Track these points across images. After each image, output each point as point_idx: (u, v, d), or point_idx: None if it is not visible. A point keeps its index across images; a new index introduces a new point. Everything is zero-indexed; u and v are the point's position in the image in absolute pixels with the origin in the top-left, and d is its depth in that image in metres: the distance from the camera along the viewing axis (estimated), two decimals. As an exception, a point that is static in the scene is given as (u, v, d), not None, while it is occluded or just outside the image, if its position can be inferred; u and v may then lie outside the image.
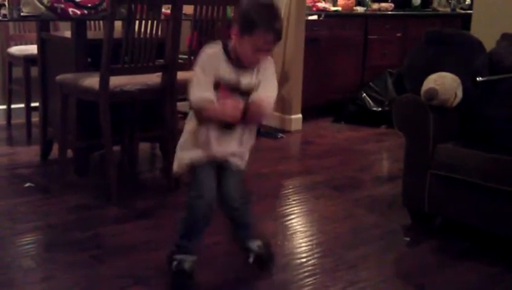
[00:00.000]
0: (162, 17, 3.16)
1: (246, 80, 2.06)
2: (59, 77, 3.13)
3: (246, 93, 2.07)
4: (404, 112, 2.72)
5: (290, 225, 2.80)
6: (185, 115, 3.81)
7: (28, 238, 2.55)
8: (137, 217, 2.80)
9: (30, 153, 3.71)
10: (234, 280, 2.22)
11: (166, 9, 3.31)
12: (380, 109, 4.86)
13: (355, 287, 2.19)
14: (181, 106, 3.63)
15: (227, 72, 2.03)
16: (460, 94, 2.59)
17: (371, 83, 5.01)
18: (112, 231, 2.64)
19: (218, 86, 2.03)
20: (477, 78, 2.68)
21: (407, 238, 2.68)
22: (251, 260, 2.23)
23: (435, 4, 6.48)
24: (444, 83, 2.56)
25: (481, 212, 2.51)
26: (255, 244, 2.24)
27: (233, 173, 2.12)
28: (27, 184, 3.18)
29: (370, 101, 4.92)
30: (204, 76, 2.02)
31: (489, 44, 2.91)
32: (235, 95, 2.04)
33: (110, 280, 2.20)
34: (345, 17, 5.15)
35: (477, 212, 2.52)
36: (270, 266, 2.28)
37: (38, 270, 2.31)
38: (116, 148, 3.36)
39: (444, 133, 2.64)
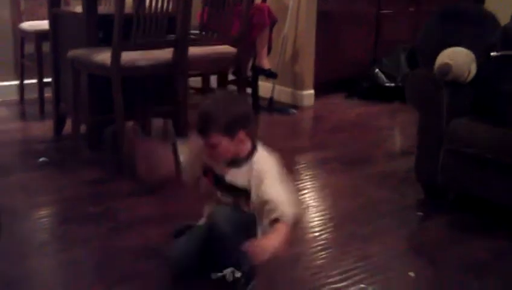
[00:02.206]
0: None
1: (231, 177, 1.96)
2: (70, 53, 3.13)
3: (231, 189, 1.96)
4: (417, 88, 2.71)
5: (302, 200, 2.80)
6: (196, 90, 3.84)
7: (42, 212, 2.58)
8: (150, 191, 2.81)
9: (43, 128, 3.74)
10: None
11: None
12: (392, 84, 4.83)
13: (367, 261, 2.20)
14: (193, 81, 3.64)
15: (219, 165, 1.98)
16: (474, 69, 2.57)
17: (383, 59, 4.97)
18: (126, 205, 2.66)
19: (207, 173, 2.00)
20: (492, 53, 2.65)
21: (420, 213, 2.68)
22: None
23: (449, -22, 6.40)
24: (457, 58, 2.53)
25: (494, 187, 2.50)
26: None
27: None
28: (41, 159, 3.20)
29: (383, 77, 4.89)
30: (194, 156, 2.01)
31: (503, 19, 2.87)
32: (218, 189, 1.99)
33: (125, 252, 2.23)
34: (357, -9, 5.10)
35: (490, 187, 2.51)
36: None
37: (53, 243, 2.33)
38: (129, 123, 3.37)
39: (458, 108, 2.62)
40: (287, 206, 1.82)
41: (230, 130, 1.88)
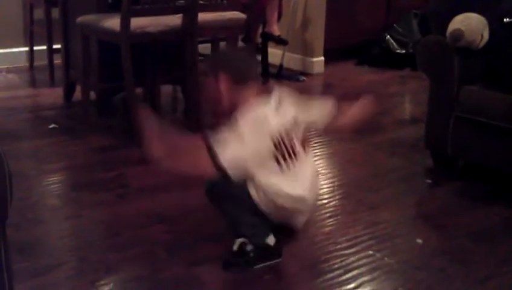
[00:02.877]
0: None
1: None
2: (80, 19, 3.12)
3: None
4: (428, 54, 2.68)
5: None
6: (205, 57, 3.82)
7: (53, 178, 2.60)
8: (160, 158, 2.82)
9: (53, 95, 3.74)
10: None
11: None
12: (404, 51, 4.79)
13: (375, 228, 2.21)
14: (202, 48, 3.61)
15: None
16: (486, 35, 2.53)
17: (395, 25, 4.92)
18: (136, 172, 2.68)
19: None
20: (505, 19, 2.61)
21: (429, 181, 2.68)
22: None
23: None
24: (470, 24, 2.50)
25: (504, 155, 2.49)
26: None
27: None
28: (51, 125, 3.21)
29: (394, 43, 4.84)
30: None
31: (518, -17, 2.82)
32: None
33: (134, 218, 2.25)
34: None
35: (501, 155, 2.50)
36: None
37: (64, 208, 2.36)
38: (139, 90, 3.37)
39: (469, 75, 2.59)
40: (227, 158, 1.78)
41: (212, 69, 1.97)
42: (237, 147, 1.81)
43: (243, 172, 1.84)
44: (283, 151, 1.90)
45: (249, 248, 1.94)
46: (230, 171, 1.79)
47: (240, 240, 1.96)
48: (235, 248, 1.96)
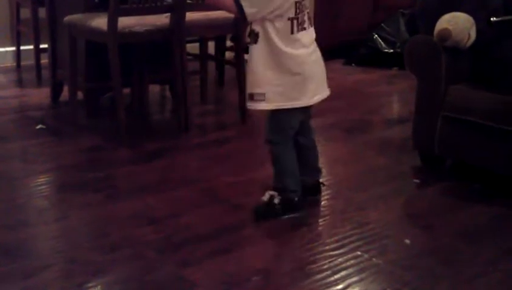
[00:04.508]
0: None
1: None
2: (67, 18, 3.10)
3: None
4: (416, 53, 2.69)
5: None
6: (194, 56, 3.81)
7: (40, 180, 2.58)
8: (148, 159, 2.82)
9: (40, 95, 3.72)
10: (244, 220, 2.24)
11: None
12: (391, 50, 4.80)
13: (364, 229, 2.22)
14: (190, 47, 3.61)
15: None
16: (474, 35, 2.55)
17: (382, 24, 4.93)
18: (124, 172, 2.67)
19: None
20: (492, 19, 2.63)
21: (417, 180, 2.69)
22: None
23: None
24: (457, 24, 2.51)
25: (491, 155, 2.50)
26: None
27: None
28: (38, 126, 3.19)
29: (382, 43, 4.86)
30: None
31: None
32: None
33: (123, 219, 2.24)
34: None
35: (488, 154, 2.51)
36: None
37: (51, 210, 2.35)
38: (126, 90, 3.36)
39: (456, 74, 2.61)
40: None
41: None
42: None
43: (257, 14, 2.07)
44: (298, 17, 2.11)
45: (277, 200, 2.24)
46: (247, 9, 2.06)
47: (270, 192, 2.25)
48: (265, 199, 2.26)
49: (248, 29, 2.17)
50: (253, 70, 2.16)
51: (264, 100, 2.15)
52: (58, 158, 2.81)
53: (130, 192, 2.48)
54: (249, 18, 2.10)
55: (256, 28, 2.12)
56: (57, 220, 2.26)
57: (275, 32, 2.10)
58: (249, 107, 2.23)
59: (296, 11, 2.10)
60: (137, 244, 2.06)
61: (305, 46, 2.16)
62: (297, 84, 2.16)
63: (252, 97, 2.17)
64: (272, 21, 2.09)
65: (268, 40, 2.10)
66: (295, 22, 2.11)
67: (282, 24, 2.09)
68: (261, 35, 2.11)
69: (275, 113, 2.19)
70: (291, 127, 2.23)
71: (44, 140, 3.03)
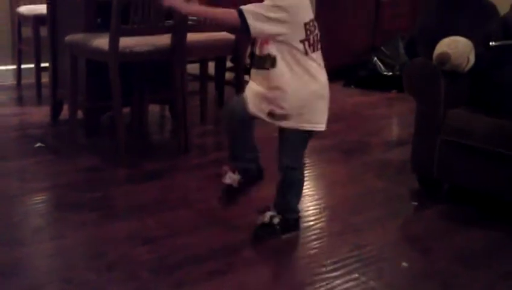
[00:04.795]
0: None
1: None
2: (68, 38, 3.12)
3: None
4: (415, 76, 2.70)
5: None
6: (194, 77, 3.83)
7: (38, 198, 2.58)
8: (146, 179, 2.81)
9: (40, 114, 3.73)
10: (242, 241, 2.23)
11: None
12: (391, 73, 4.82)
13: (361, 251, 2.21)
14: (191, 68, 3.62)
15: None
16: (473, 59, 2.56)
17: (382, 47, 4.95)
18: (122, 192, 2.66)
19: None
20: (491, 43, 2.64)
21: (415, 203, 2.69)
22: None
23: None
24: (457, 47, 2.52)
25: (489, 179, 2.50)
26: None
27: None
28: (37, 144, 3.20)
29: (381, 65, 4.88)
30: None
31: (503, 8, 2.86)
32: None
33: (120, 240, 2.23)
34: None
35: (486, 178, 2.51)
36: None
37: (48, 229, 2.34)
38: (126, 110, 3.36)
39: (455, 98, 2.62)
40: (248, 8, 2.10)
41: None
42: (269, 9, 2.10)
43: (261, 29, 2.10)
44: (309, 38, 2.15)
45: (276, 220, 2.24)
46: (250, 21, 2.08)
47: (270, 213, 2.25)
48: (265, 219, 2.24)
49: (256, 51, 2.20)
50: (275, 90, 2.17)
51: (285, 119, 2.18)
52: (56, 177, 2.80)
53: (128, 212, 2.47)
54: (252, 32, 2.12)
55: (273, 51, 2.14)
56: (53, 239, 2.24)
57: (292, 53, 2.13)
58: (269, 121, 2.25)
59: (306, 33, 2.14)
60: (134, 264, 2.05)
61: (321, 66, 2.23)
62: (320, 107, 2.23)
63: (273, 113, 2.20)
64: (286, 43, 2.12)
65: (288, 61, 2.14)
66: (306, 43, 2.15)
67: (296, 45, 2.13)
68: (278, 58, 2.14)
69: (296, 136, 2.21)
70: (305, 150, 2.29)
71: (43, 158, 3.03)
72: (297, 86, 2.16)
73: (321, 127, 2.24)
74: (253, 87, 2.26)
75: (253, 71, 2.27)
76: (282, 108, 2.18)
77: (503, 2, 2.90)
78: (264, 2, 2.13)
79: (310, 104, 2.19)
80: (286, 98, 2.16)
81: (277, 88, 2.17)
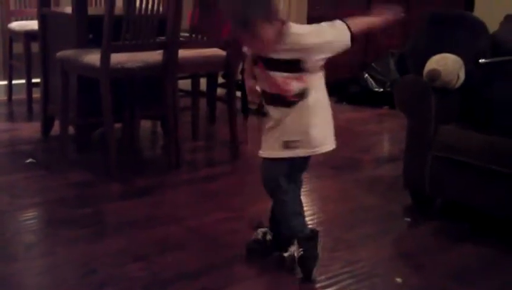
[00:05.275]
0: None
1: (277, 55, 2.11)
2: (60, 54, 3.12)
3: (282, 63, 2.10)
4: (406, 93, 2.71)
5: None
6: (186, 93, 3.83)
7: (28, 214, 2.56)
8: (138, 195, 2.80)
9: (31, 129, 3.71)
10: (233, 258, 2.22)
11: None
12: (382, 89, 4.85)
13: (353, 267, 2.20)
14: (182, 84, 3.62)
15: None
16: (463, 76, 2.58)
17: (373, 64, 4.99)
18: (113, 208, 2.65)
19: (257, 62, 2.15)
20: (480, 60, 2.67)
21: (407, 219, 2.69)
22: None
23: (439, -15, 6.43)
24: (447, 64, 2.54)
25: (481, 195, 2.51)
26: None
27: None
28: (28, 160, 3.18)
29: (372, 82, 4.90)
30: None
31: (492, 26, 2.88)
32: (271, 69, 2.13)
33: (111, 256, 2.21)
34: (347, -4, 5.11)
35: (478, 194, 2.52)
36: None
37: (39, 245, 2.32)
38: (118, 125, 3.36)
39: (446, 114, 2.63)
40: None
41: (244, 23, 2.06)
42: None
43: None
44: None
45: (269, 237, 2.22)
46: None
47: (263, 230, 2.23)
48: (259, 236, 2.22)
49: (293, 89, 2.16)
50: (298, 123, 2.20)
51: (297, 147, 2.17)
52: (47, 193, 2.79)
53: (118, 228, 2.46)
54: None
55: (310, 83, 2.15)
56: (43, 256, 2.23)
57: (323, 79, 2.20)
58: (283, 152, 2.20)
59: None
60: (125, 281, 2.04)
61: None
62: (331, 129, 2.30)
63: (287, 145, 2.18)
64: (322, 68, 2.17)
65: (319, 90, 2.21)
66: None
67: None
68: (312, 87, 2.17)
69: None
70: None
71: (34, 174, 3.01)
72: (321, 117, 2.37)
73: (327, 147, 2.32)
74: None
75: None
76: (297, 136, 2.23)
77: (492, 20, 2.93)
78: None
79: (324, 130, 2.41)
80: (302, 130, 2.28)
81: (299, 121, 2.26)
